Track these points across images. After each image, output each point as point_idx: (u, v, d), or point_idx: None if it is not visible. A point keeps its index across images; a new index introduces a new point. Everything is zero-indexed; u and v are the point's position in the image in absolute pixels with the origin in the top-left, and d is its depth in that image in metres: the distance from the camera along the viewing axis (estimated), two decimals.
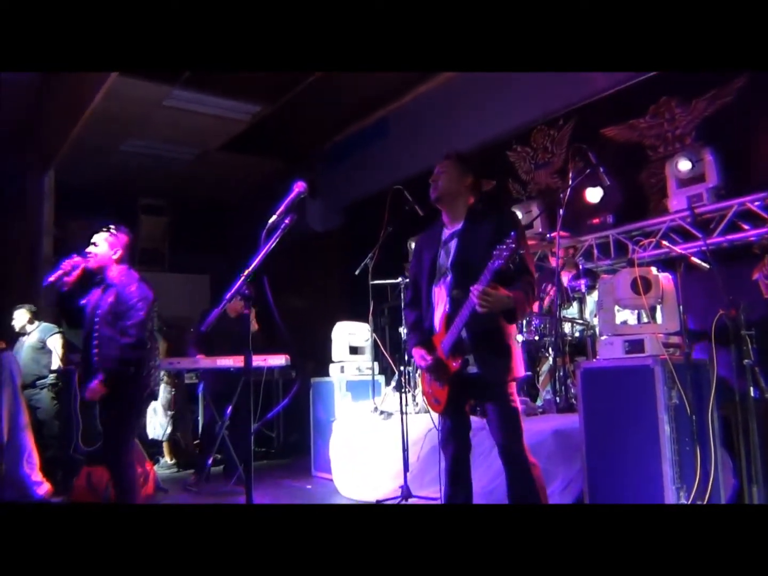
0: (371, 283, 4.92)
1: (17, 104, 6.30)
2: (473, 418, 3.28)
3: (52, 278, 3.32)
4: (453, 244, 2.76)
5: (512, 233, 2.32)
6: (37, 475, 4.59)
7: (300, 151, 8.18)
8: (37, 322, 5.75)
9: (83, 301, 3.43)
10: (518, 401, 2.72)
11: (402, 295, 4.71)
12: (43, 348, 5.68)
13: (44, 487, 4.58)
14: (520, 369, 2.73)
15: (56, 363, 5.64)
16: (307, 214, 8.06)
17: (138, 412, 3.48)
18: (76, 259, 3.39)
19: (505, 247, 2.32)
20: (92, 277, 3.48)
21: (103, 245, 3.43)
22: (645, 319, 3.94)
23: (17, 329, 5.19)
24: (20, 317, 5.70)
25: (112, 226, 3.50)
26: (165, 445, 6.76)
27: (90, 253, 3.42)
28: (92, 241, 3.45)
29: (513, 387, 2.69)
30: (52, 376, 5.58)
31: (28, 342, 5.63)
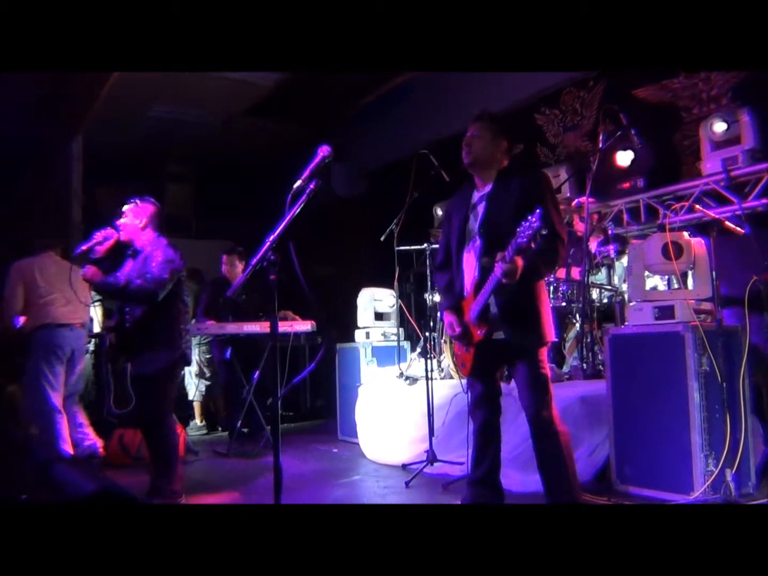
0: (397, 249, 4.90)
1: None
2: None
3: (84, 247, 3.38)
4: (481, 207, 2.73)
5: (537, 210, 2.26)
6: (89, 435, 4.73)
7: (324, 115, 8.10)
8: None
9: (118, 273, 3.49)
10: (548, 367, 2.70)
11: (428, 260, 4.68)
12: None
13: (97, 444, 4.73)
14: (551, 333, 2.69)
15: (96, 329, 5.74)
16: (331, 180, 8.02)
17: (171, 375, 3.51)
18: (109, 230, 3.47)
19: (528, 224, 2.27)
20: (125, 249, 3.57)
21: (129, 216, 3.53)
22: (675, 285, 3.88)
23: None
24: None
25: (136, 200, 3.58)
26: (196, 406, 6.87)
27: (120, 224, 3.52)
28: (122, 212, 3.55)
29: (544, 353, 2.67)
30: (90, 342, 5.67)
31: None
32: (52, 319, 4.57)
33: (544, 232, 2.30)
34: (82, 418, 4.82)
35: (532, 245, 2.30)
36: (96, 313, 5.70)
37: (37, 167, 7.10)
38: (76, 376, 4.77)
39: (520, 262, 2.40)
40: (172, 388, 3.57)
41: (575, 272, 4.59)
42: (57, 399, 4.51)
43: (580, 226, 4.74)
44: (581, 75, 5.85)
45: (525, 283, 2.51)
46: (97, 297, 5.11)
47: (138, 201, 3.59)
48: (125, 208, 3.56)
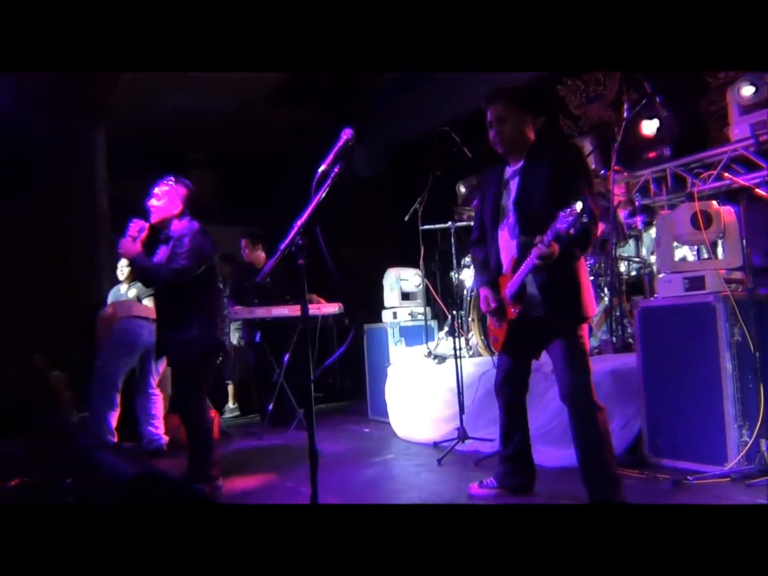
0: (421, 228, 4.89)
1: None
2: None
3: (123, 249, 3.36)
4: (514, 183, 2.70)
5: (580, 199, 2.23)
6: (159, 430, 4.80)
7: (343, 97, 8.07)
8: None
9: (154, 260, 3.45)
10: (587, 342, 2.66)
11: (453, 238, 4.66)
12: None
13: (164, 440, 4.80)
14: (592, 308, 2.66)
15: None
16: (353, 161, 7.99)
17: (207, 363, 3.50)
18: (141, 222, 3.40)
19: (569, 211, 2.24)
20: (158, 234, 3.50)
21: (164, 199, 3.44)
22: (705, 255, 3.82)
23: (121, 279, 5.31)
24: (123, 267, 5.82)
25: (171, 179, 3.49)
26: (230, 389, 6.96)
27: (152, 206, 3.43)
28: (154, 192, 3.45)
29: (584, 328, 2.63)
30: None
31: (128, 295, 5.76)
32: (135, 311, 4.67)
33: (585, 220, 2.28)
34: (158, 408, 4.83)
35: (571, 231, 2.28)
36: (150, 304, 5.76)
37: (62, 158, 7.18)
38: (162, 367, 4.81)
39: (556, 246, 2.38)
40: (208, 375, 3.58)
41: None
42: (116, 393, 4.59)
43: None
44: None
45: (562, 262, 2.48)
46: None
47: (173, 182, 3.47)
48: (159, 189, 3.45)
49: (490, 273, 2.81)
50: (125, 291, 5.62)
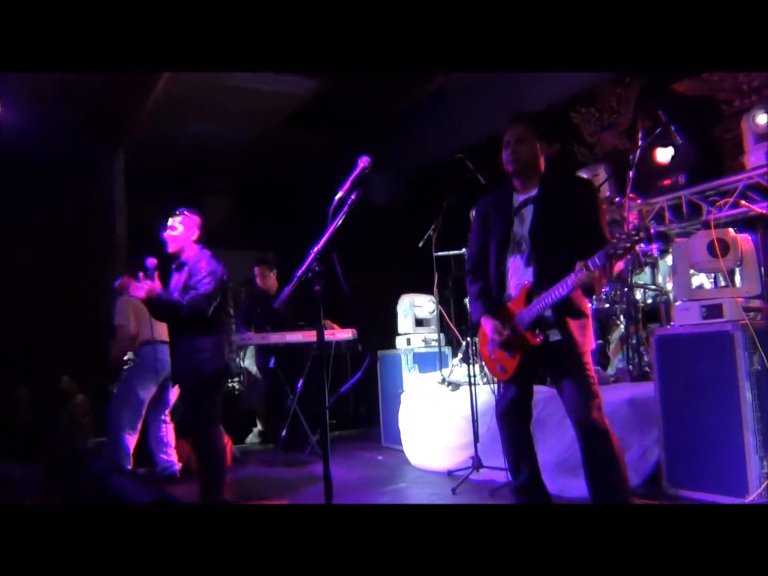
0: (435, 254, 4.90)
1: (86, 89, 6.51)
2: (542, 389, 3.25)
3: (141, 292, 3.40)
4: (528, 211, 2.67)
5: (635, 225, 2.27)
6: (172, 457, 4.82)
7: (359, 124, 8.16)
8: None
9: (171, 290, 3.55)
10: (593, 369, 2.66)
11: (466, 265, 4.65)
12: None
13: (176, 467, 4.82)
14: (593, 340, 2.70)
15: None
16: (368, 188, 8.05)
17: (215, 386, 3.54)
18: (153, 260, 3.51)
19: (626, 237, 2.22)
20: (171, 262, 3.61)
21: (180, 228, 3.57)
22: (722, 283, 3.79)
23: None
24: None
25: (185, 210, 3.61)
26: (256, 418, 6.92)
27: (169, 236, 3.56)
28: (169, 225, 3.58)
29: (589, 356, 2.64)
30: None
31: None
32: (157, 335, 4.67)
33: (642, 246, 2.30)
34: (170, 437, 4.86)
35: (620, 254, 2.26)
36: None
37: (82, 183, 7.32)
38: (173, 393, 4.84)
39: (598, 272, 2.36)
40: (215, 398, 3.59)
41: (616, 268, 4.52)
42: (140, 418, 4.62)
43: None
44: (617, 72, 5.78)
45: (590, 291, 2.54)
46: None
47: (186, 212, 3.62)
48: (174, 219, 3.59)
49: (491, 301, 2.75)
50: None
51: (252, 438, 6.70)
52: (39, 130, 5.98)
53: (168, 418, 4.82)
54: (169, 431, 4.82)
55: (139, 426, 4.63)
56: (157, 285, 3.41)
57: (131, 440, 4.59)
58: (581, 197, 2.61)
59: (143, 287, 3.36)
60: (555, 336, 2.60)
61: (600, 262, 2.31)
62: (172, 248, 3.56)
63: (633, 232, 2.21)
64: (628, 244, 2.22)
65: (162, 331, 4.72)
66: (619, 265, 4.41)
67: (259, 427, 6.87)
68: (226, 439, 4.88)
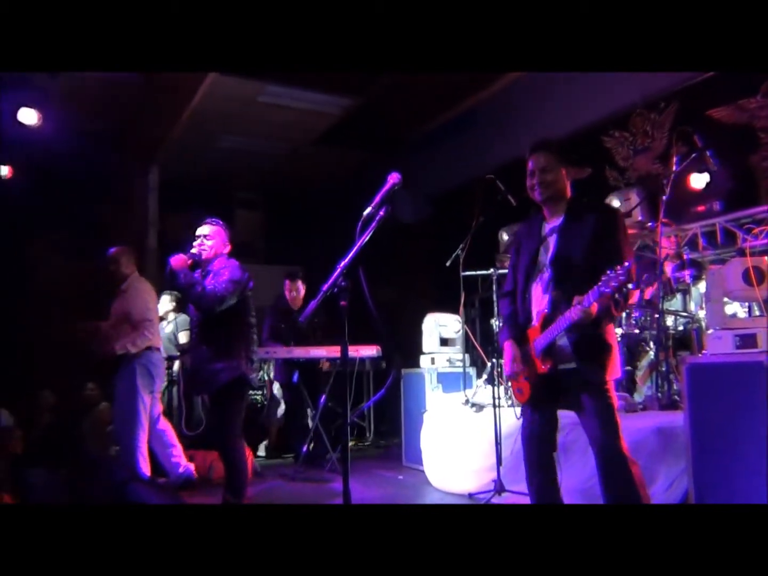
0: (462, 274, 4.87)
1: (123, 103, 6.67)
2: (568, 414, 3.18)
3: (174, 261, 3.48)
4: (552, 240, 2.69)
5: (627, 264, 2.24)
6: (182, 459, 4.83)
7: (390, 142, 8.21)
8: (177, 314, 5.98)
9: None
10: (615, 397, 2.62)
11: (495, 285, 4.63)
12: (171, 340, 5.94)
13: (191, 468, 4.84)
14: (618, 369, 2.65)
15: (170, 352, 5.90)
16: (396, 205, 8.06)
17: (233, 396, 3.54)
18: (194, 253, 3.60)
19: (614, 275, 2.24)
20: (197, 269, 3.65)
21: (217, 238, 3.66)
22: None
23: (159, 313, 5.40)
24: (164, 303, 5.92)
25: (215, 220, 3.70)
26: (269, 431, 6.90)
27: (203, 245, 3.61)
28: (203, 233, 3.64)
29: (611, 384, 2.60)
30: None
31: (165, 330, 5.83)
32: (154, 343, 4.70)
33: (630, 287, 2.28)
34: (172, 437, 4.86)
35: (616, 296, 2.28)
36: (185, 340, 5.85)
37: (116, 195, 7.47)
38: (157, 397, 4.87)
39: (595, 307, 2.38)
40: (237, 408, 3.59)
41: (648, 293, 4.45)
42: (146, 421, 4.63)
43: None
44: (653, 96, 5.74)
45: (597, 320, 2.48)
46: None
47: (216, 223, 3.71)
48: (208, 229, 3.66)
49: (517, 328, 2.79)
50: (164, 326, 5.71)
51: (259, 452, 6.68)
52: (76, 142, 6.11)
53: (162, 424, 4.84)
54: (167, 433, 4.84)
55: (146, 426, 4.62)
56: (186, 262, 3.49)
57: (144, 438, 4.59)
58: (604, 226, 2.59)
59: (176, 258, 3.45)
60: (569, 365, 2.59)
61: (593, 299, 2.33)
62: (206, 255, 3.62)
63: (620, 272, 2.22)
64: (616, 284, 2.22)
65: (158, 337, 4.77)
66: (650, 291, 4.38)
67: (266, 442, 6.86)
68: (247, 452, 4.89)
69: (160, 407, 4.89)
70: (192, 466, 4.82)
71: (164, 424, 4.87)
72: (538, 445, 2.78)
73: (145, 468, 4.55)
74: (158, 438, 4.78)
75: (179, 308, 5.98)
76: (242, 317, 3.60)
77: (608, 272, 2.25)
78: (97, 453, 4.76)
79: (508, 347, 2.77)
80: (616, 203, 5.05)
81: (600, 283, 2.28)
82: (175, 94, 6.50)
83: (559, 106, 6.30)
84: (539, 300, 2.70)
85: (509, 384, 4.92)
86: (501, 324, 2.96)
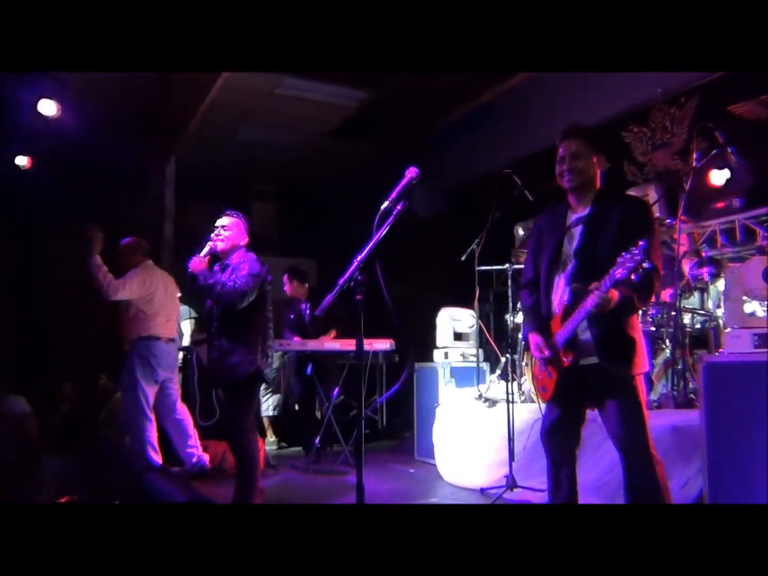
0: (477, 269, 4.86)
1: (141, 96, 6.69)
2: None
3: (192, 264, 3.52)
4: (578, 230, 2.61)
5: (642, 243, 2.16)
6: (197, 449, 4.86)
7: (406, 135, 8.19)
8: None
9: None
10: (644, 391, 2.55)
11: (510, 280, 4.61)
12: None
13: (205, 458, 4.87)
14: (645, 363, 2.57)
15: (185, 343, 5.93)
16: (412, 199, 8.05)
17: (249, 388, 3.57)
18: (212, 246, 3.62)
19: (630, 256, 2.18)
20: (213, 263, 3.66)
21: (235, 230, 3.65)
22: None
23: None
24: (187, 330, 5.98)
25: (233, 212, 3.70)
26: (266, 422, 6.95)
27: (220, 235, 3.62)
28: (221, 224, 3.65)
29: (640, 380, 2.53)
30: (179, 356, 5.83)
31: None
32: (153, 332, 4.70)
33: (646, 266, 2.18)
34: (189, 426, 4.87)
35: (633, 277, 2.20)
36: (187, 328, 5.91)
37: (134, 187, 7.51)
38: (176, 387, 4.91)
39: (615, 294, 2.31)
40: (249, 403, 3.63)
41: (665, 295, 4.40)
42: (150, 411, 4.65)
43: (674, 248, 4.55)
44: (673, 91, 5.67)
45: (619, 311, 2.41)
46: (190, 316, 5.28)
47: (234, 214, 3.71)
48: (227, 221, 3.66)
49: (541, 319, 2.71)
50: None
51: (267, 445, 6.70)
52: (94, 134, 6.15)
53: (180, 414, 4.85)
54: (185, 422, 4.84)
55: (151, 415, 4.64)
56: (203, 263, 3.52)
57: (151, 428, 4.62)
58: (634, 219, 2.50)
59: (193, 260, 3.50)
60: (591, 359, 2.53)
61: (610, 283, 2.26)
62: (224, 247, 3.62)
63: (635, 252, 2.16)
64: (631, 264, 2.16)
65: (163, 327, 4.74)
66: (667, 292, 4.33)
67: (269, 436, 6.88)
68: (260, 442, 4.92)
69: (177, 394, 4.92)
70: (206, 456, 4.86)
71: (182, 412, 4.89)
72: (559, 439, 2.74)
73: (156, 458, 4.59)
74: (175, 425, 4.81)
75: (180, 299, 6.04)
76: (261, 311, 3.60)
77: (623, 254, 2.19)
78: (114, 442, 4.79)
79: (532, 338, 2.70)
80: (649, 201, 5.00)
81: (615, 266, 2.22)
82: (192, 87, 6.51)
83: (577, 100, 6.24)
84: (562, 291, 2.62)
85: (522, 380, 4.92)
86: (523, 316, 2.87)
